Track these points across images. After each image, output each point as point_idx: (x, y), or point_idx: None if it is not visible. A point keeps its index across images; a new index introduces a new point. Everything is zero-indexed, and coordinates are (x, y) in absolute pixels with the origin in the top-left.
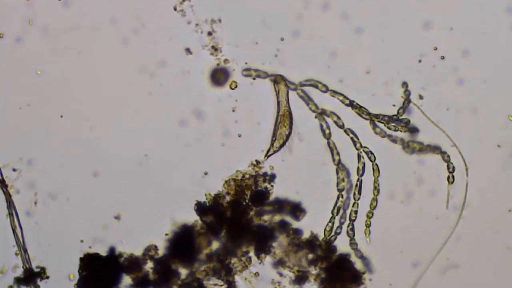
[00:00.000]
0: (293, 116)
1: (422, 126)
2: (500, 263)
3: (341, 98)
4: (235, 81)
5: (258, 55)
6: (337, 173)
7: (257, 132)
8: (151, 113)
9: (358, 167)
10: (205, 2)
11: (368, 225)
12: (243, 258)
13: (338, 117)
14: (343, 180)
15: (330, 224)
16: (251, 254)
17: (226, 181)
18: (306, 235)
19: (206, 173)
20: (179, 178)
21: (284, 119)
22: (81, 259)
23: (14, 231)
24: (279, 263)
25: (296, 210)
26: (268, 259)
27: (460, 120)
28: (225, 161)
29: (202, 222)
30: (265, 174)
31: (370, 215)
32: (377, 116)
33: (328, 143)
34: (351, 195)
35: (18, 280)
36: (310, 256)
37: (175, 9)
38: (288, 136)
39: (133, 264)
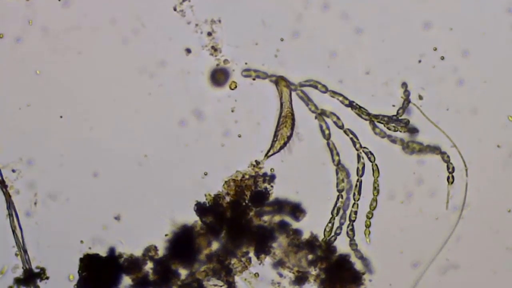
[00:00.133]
0: (295, 118)
1: (421, 127)
2: (500, 264)
3: (340, 98)
4: (235, 81)
5: (258, 56)
6: (337, 173)
7: (257, 133)
8: (151, 113)
9: (357, 168)
10: (205, 3)
11: (368, 226)
12: (243, 259)
13: (338, 118)
14: (342, 180)
15: (330, 225)
16: (251, 254)
17: (226, 182)
18: (306, 235)
19: (206, 174)
20: (179, 178)
21: (287, 120)
22: (81, 259)
23: (14, 231)
24: (279, 263)
25: (296, 210)
26: (268, 260)
27: (460, 120)
28: (225, 161)
29: (202, 222)
30: (265, 174)
31: (370, 216)
32: (376, 116)
33: (328, 144)
34: (351, 196)
35: (18, 281)
36: (310, 256)
37: (175, 9)
38: (289, 138)
39: (133, 265)
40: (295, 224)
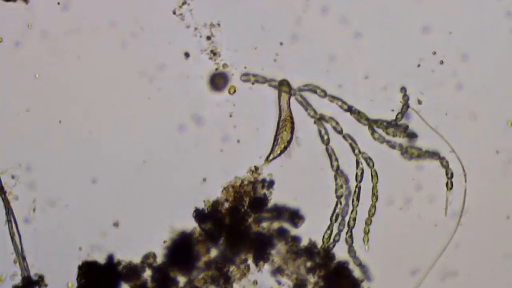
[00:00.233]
0: (294, 122)
1: (420, 131)
2: (499, 270)
3: (339, 103)
4: (234, 86)
5: (257, 60)
6: (336, 179)
7: (256, 138)
8: (150, 118)
9: (356, 173)
10: (204, 6)
11: (366, 232)
12: (241, 266)
13: (337, 123)
14: (341, 186)
15: (328, 231)
16: (250, 261)
17: (224, 188)
18: (304, 242)
19: (204, 180)
20: (177, 184)
21: (286, 123)
22: (79, 267)
23: (12, 238)
24: (277, 271)
25: (295, 217)
26: (266, 267)
27: (459, 125)
28: (224, 167)
29: (200, 229)
30: (263, 180)
31: (368, 222)
32: (375, 121)
33: (327, 149)
34: (350, 202)
35: None
36: (309, 263)
37: (174, 13)
38: (289, 142)
39: (132, 272)
40: (293, 231)
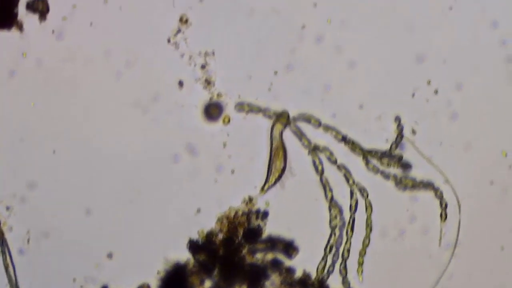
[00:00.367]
0: (286, 151)
1: (415, 162)
2: None
3: (333, 133)
4: (228, 115)
5: (251, 89)
6: (330, 210)
7: (250, 168)
8: (143, 148)
9: (350, 204)
10: (199, 35)
11: (360, 263)
12: None
13: (331, 153)
14: (335, 217)
15: (322, 263)
16: None
17: (219, 219)
18: (298, 273)
19: (198, 210)
20: (171, 215)
21: (278, 152)
22: None
23: (6, 269)
24: None
25: (289, 248)
26: None
27: (454, 155)
28: (218, 197)
29: (194, 260)
30: (258, 211)
31: (362, 253)
32: (370, 151)
33: (321, 179)
34: (344, 233)
35: None
36: None
37: (168, 41)
38: (283, 170)
39: None
40: (288, 262)
